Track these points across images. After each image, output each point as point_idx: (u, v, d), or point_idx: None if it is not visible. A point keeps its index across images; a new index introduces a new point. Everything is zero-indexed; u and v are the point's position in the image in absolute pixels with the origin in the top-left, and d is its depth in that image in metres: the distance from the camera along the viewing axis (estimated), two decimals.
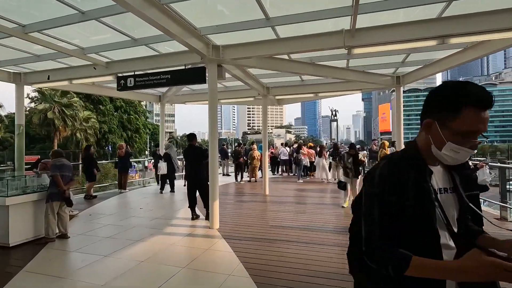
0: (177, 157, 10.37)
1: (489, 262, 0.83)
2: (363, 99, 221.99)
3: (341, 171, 8.77)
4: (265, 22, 4.61)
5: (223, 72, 5.72)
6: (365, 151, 13.67)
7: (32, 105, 29.51)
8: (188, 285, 3.24)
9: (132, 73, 6.30)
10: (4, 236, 4.32)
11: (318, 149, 12.52)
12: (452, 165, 1.10)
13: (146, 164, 14.68)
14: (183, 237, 4.84)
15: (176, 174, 9.83)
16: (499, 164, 6.34)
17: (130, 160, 10.23)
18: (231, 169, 14.02)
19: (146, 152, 39.93)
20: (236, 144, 18.46)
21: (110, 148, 32.40)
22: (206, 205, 5.67)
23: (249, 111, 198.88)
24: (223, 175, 13.85)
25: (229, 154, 14.93)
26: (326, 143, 26.87)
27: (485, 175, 4.27)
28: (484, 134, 1.00)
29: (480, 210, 4.02)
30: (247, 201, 8.01)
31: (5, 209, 4.31)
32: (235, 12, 4.66)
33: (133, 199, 8.28)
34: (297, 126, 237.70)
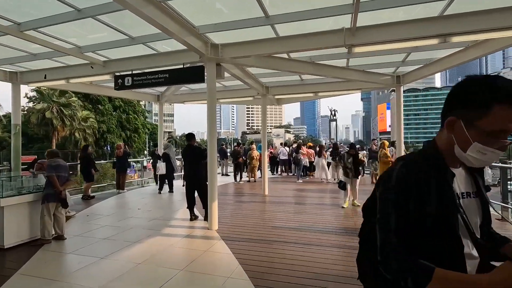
0: (176, 157, 10.30)
1: None
2: (362, 99, 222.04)
3: (340, 171, 8.73)
4: (265, 20, 4.55)
5: (222, 71, 5.66)
6: (364, 151, 13.64)
7: (31, 104, 29.40)
8: None
9: (130, 72, 6.25)
10: None
11: (318, 149, 12.49)
12: (476, 167, 1.01)
13: (145, 164, 14.62)
14: (181, 238, 4.78)
15: (175, 174, 9.77)
16: (500, 164, 6.30)
17: (129, 160, 10.16)
18: (230, 169, 13.97)
19: (145, 152, 39.85)
20: (235, 144, 18.39)
21: (109, 148, 32.30)
22: (205, 206, 5.61)
23: (248, 111, 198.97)
24: (222, 175, 13.79)
25: (228, 154, 14.88)
26: (325, 143, 26.82)
27: (486, 175, 4.22)
28: None
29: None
30: (246, 201, 7.95)
31: None
32: (234, 10, 4.60)
33: (131, 200, 8.21)
34: (296, 126, 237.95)
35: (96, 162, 9.23)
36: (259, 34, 5.06)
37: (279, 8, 4.37)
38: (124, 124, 36.19)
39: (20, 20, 4.69)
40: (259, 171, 11.94)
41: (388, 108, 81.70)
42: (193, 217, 5.83)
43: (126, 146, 10.39)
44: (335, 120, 61.49)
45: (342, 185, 6.87)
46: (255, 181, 11.68)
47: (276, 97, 10.18)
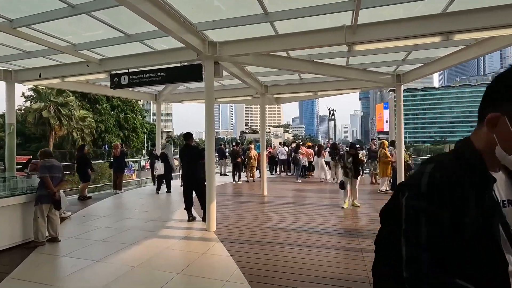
0: (174, 156, 10.20)
1: None
2: (360, 99, 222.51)
3: (340, 170, 8.65)
4: (264, 18, 4.45)
5: (220, 69, 5.56)
6: (364, 151, 13.58)
7: (28, 104, 29.18)
8: None
9: (126, 71, 6.13)
10: None
11: (317, 148, 12.41)
12: None
13: (143, 163, 14.51)
14: (178, 240, 4.68)
15: (173, 174, 9.66)
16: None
17: (127, 159, 10.05)
18: (229, 169, 13.87)
19: (144, 152, 39.71)
20: (234, 143, 18.30)
21: (106, 148, 32.14)
22: (203, 206, 5.51)
23: (247, 110, 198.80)
24: (221, 175, 13.70)
25: (227, 154, 14.78)
26: (324, 143, 26.76)
27: None
28: None
29: None
30: (245, 202, 7.85)
31: None
32: (233, 7, 4.49)
33: (129, 200, 8.09)
34: (295, 126, 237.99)
35: (93, 162, 9.12)
36: (258, 31, 4.96)
37: (278, 5, 4.27)
38: (122, 124, 36.05)
39: (12, 17, 4.57)
40: (257, 171, 11.84)
41: (385, 108, 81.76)
42: (191, 218, 5.73)
43: (123, 146, 10.28)
44: (334, 119, 61.52)
45: (341, 185, 6.80)
46: (253, 181, 11.59)
47: (275, 96, 10.07)
